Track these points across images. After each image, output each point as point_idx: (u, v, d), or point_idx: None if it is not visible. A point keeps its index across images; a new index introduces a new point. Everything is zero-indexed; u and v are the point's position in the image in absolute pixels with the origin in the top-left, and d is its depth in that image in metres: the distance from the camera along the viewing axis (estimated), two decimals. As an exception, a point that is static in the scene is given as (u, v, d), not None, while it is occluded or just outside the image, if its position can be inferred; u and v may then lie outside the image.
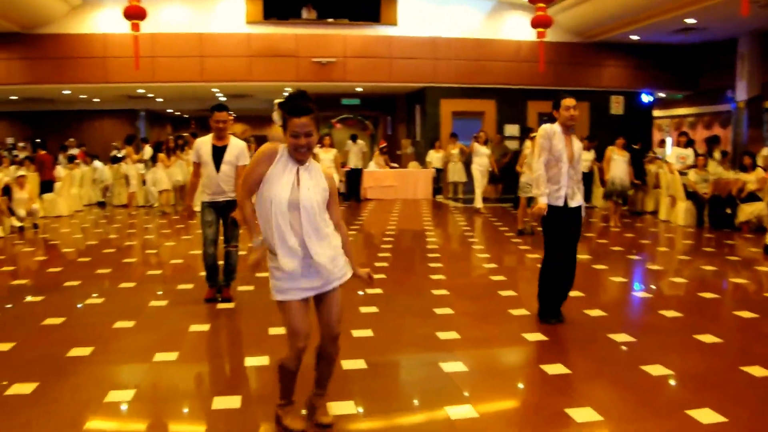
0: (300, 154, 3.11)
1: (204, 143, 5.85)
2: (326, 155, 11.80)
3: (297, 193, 3.09)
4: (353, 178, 15.39)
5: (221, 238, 6.08)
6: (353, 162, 15.41)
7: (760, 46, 15.39)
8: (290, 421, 3.38)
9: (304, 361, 3.34)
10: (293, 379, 3.38)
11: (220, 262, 6.06)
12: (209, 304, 5.93)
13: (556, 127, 5.39)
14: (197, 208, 6.25)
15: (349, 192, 15.37)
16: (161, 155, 13.40)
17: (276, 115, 3.15)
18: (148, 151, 14.47)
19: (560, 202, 5.16)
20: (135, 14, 9.82)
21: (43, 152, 13.74)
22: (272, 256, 3.20)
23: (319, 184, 3.19)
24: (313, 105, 3.14)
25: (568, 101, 5.41)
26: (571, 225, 5.24)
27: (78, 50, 14.81)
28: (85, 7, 14.80)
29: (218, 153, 5.75)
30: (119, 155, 15.52)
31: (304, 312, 3.27)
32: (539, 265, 5.47)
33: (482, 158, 13.28)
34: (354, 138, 15.78)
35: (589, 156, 14.22)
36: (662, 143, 20.29)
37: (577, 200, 5.24)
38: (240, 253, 6.24)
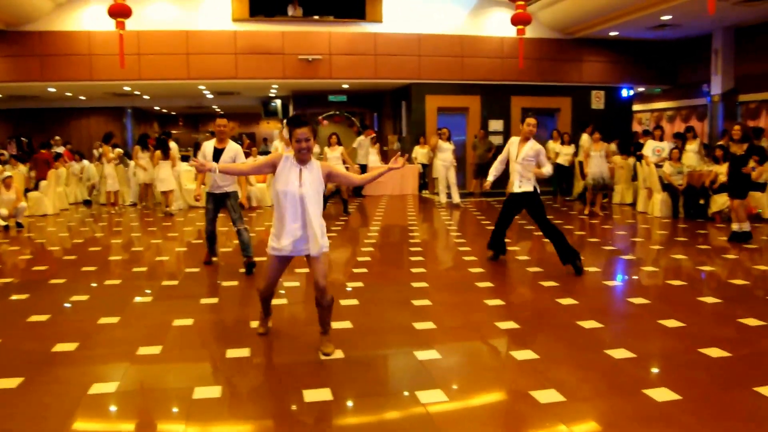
0: (302, 155, 4.33)
1: (207, 145, 7.25)
2: (333, 153, 12.11)
3: (299, 187, 4.32)
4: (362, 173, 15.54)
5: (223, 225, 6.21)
6: (361, 157, 15.62)
7: (734, 41, 15.72)
8: (257, 325, 5.04)
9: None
10: (266, 301, 4.91)
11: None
12: (192, 299, 6.07)
13: (515, 139, 7.41)
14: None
15: (356, 188, 15.53)
16: (173, 151, 13.43)
17: (285, 131, 3.91)
18: (116, 151, 14.39)
19: (512, 188, 7.28)
20: (120, 12, 9.87)
21: (44, 151, 13.76)
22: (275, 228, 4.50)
23: (317, 179, 4.42)
24: (309, 120, 4.45)
25: (530, 120, 7.26)
26: (520, 204, 7.33)
27: (63, 47, 14.81)
28: (71, 4, 14.78)
29: (217, 154, 7.11)
30: (96, 154, 15.65)
31: (278, 268, 4.65)
32: (518, 258, 7.59)
33: (445, 153, 13.72)
34: (360, 133, 15.95)
35: (569, 150, 14.51)
36: (645, 134, 20.63)
37: (524, 187, 7.17)
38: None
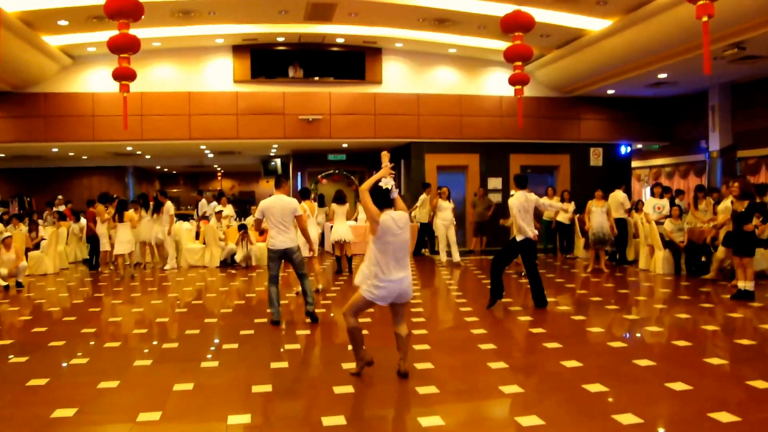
0: None
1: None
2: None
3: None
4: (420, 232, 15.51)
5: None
6: (423, 216, 15.39)
7: (730, 98, 15.96)
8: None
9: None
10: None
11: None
12: (192, 362, 6.00)
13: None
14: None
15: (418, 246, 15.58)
16: (129, 213, 12.71)
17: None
18: (110, 211, 14.21)
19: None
20: (124, 75, 10.00)
21: (92, 209, 13.72)
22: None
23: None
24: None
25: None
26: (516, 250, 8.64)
27: (67, 109, 15.06)
28: (76, 66, 15.10)
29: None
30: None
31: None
32: (520, 318, 7.63)
33: (445, 212, 13.74)
34: (425, 186, 15.64)
35: (570, 207, 14.56)
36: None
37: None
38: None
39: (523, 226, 8.35)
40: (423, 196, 15.26)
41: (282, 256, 7.69)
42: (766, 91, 15.12)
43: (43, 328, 7.69)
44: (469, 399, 4.98)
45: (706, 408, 4.50)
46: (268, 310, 7.89)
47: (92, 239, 13.65)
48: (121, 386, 5.27)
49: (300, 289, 9.79)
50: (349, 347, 5.67)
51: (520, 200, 8.47)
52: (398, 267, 5.21)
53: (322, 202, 16.42)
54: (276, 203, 7.65)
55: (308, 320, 7.75)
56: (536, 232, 8.57)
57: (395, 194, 5.32)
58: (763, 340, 6.66)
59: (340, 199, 12.19)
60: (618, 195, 12.94)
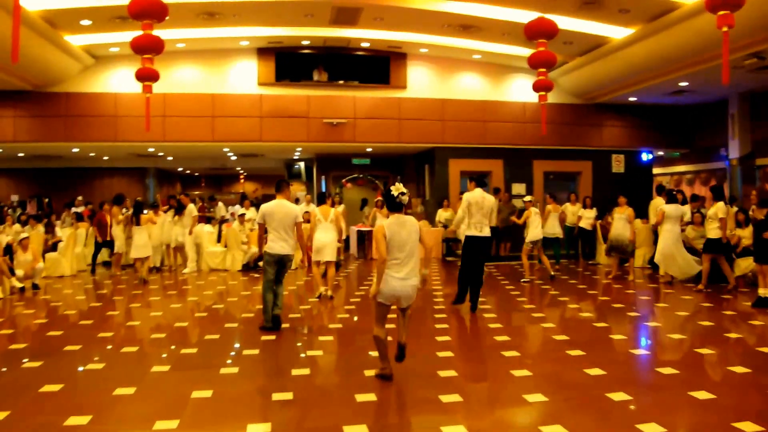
0: None
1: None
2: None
3: None
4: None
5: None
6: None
7: (749, 106, 15.89)
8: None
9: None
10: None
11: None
12: (211, 368, 5.79)
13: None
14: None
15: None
16: (146, 216, 12.38)
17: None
18: (125, 212, 14.03)
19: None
20: (147, 76, 9.89)
21: (101, 212, 13.63)
22: None
23: None
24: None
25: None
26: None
27: (89, 109, 14.99)
28: (98, 66, 15.04)
29: None
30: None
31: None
32: (543, 325, 7.60)
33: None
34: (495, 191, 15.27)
35: (591, 214, 14.41)
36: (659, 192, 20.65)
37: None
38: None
39: (458, 222, 8.98)
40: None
41: (278, 262, 7.53)
42: (784, 101, 15.16)
43: (59, 331, 7.52)
44: (493, 408, 4.89)
45: (731, 418, 4.42)
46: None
47: (105, 244, 13.40)
48: (138, 393, 5.07)
49: (322, 291, 9.66)
50: (374, 353, 5.61)
51: (475, 196, 8.67)
52: (406, 266, 5.27)
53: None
54: (278, 209, 7.55)
55: (270, 325, 7.45)
56: (488, 233, 8.71)
57: (405, 201, 5.40)
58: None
59: (321, 199, 10.83)
60: (657, 202, 12.56)
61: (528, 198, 12.37)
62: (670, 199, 10.96)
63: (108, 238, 13.26)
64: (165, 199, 14.88)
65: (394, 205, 5.41)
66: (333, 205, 10.77)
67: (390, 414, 4.75)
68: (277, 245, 7.49)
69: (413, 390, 5.20)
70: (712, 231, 10.09)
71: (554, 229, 13.52)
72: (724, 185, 16.85)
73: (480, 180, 9.00)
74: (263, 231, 7.74)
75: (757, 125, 15.77)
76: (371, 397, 4.95)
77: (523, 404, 4.84)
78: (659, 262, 11.07)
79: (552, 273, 11.72)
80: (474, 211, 8.66)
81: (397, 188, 5.40)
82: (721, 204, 10.16)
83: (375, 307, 5.39)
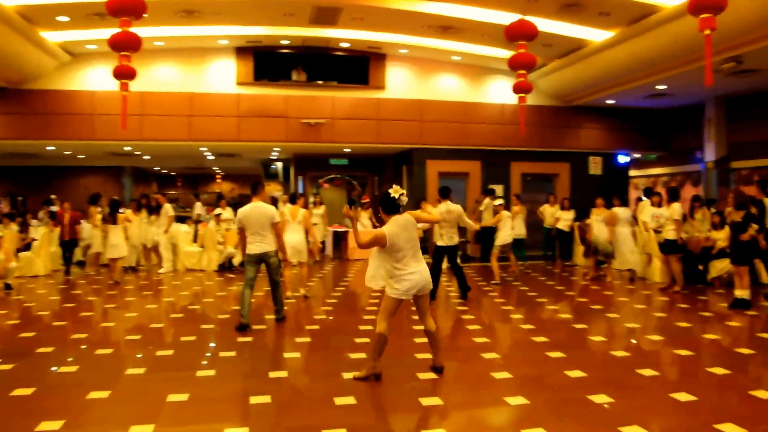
0: None
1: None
2: (318, 211, 11.94)
3: None
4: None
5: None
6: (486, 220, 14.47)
7: (725, 110, 16.14)
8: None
9: None
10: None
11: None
12: (187, 370, 5.73)
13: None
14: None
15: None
16: (122, 215, 12.31)
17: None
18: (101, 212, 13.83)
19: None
20: (125, 74, 9.76)
21: (67, 205, 13.41)
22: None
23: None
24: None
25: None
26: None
27: (66, 106, 14.77)
28: (75, 63, 14.83)
29: None
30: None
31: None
32: (522, 326, 7.70)
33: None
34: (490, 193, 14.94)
35: (569, 216, 14.57)
36: (638, 200, 20.79)
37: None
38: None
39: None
40: (487, 201, 14.98)
41: (258, 261, 7.70)
42: (759, 105, 15.41)
43: (32, 332, 7.40)
44: (474, 411, 4.85)
45: (712, 419, 4.47)
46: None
47: (66, 243, 13.16)
48: (112, 396, 5.01)
49: (306, 292, 9.64)
50: (352, 355, 5.44)
51: (440, 210, 9.38)
52: (415, 259, 5.49)
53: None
54: (252, 211, 7.69)
55: (246, 321, 7.50)
56: (457, 241, 9.55)
57: (404, 202, 5.57)
58: (763, 349, 6.63)
59: (291, 200, 10.87)
60: (645, 204, 12.73)
61: (498, 201, 12.45)
62: (622, 203, 12.13)
63: (66, 238, 13.07)
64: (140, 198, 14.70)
65: (393, 207, 5.55)
66: (306, 206, 10.78)
67: (370, 418, 4.71)
68: (254, 246, 7.63)
69: (392, 392, 5.19)
70: (669, 232, 10.30)
71: (519, 230, 13.60)
72: (699, 187, 17.12)
73: (444, 191, 9.60)
74: (243, 234, 7.75)
75: (733, 129, 16.03)
76: (351, 400, 4.92)
77: (504, 407, 4.84)
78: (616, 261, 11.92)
79: (497, 280, 11.64)
80: (443, 224, 9.33)
81: (396, 190, 5.54)
82: (676, 205, 10.39)
83: (387, 302, 5.45)
